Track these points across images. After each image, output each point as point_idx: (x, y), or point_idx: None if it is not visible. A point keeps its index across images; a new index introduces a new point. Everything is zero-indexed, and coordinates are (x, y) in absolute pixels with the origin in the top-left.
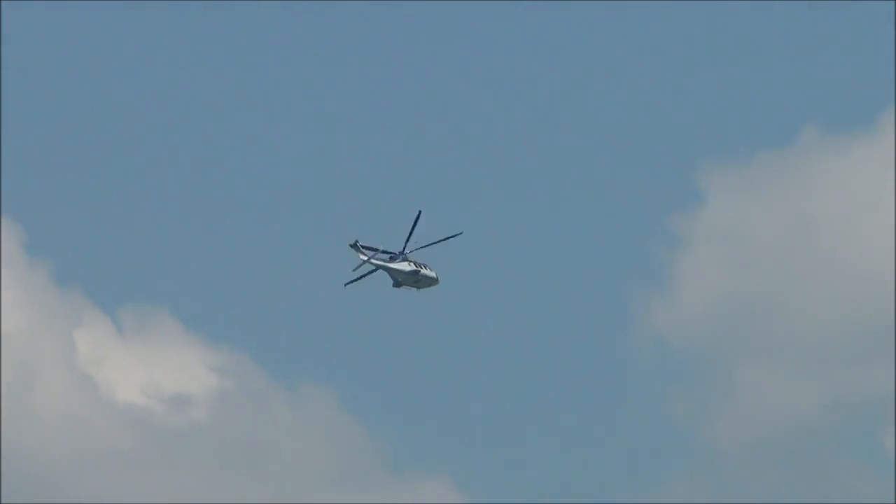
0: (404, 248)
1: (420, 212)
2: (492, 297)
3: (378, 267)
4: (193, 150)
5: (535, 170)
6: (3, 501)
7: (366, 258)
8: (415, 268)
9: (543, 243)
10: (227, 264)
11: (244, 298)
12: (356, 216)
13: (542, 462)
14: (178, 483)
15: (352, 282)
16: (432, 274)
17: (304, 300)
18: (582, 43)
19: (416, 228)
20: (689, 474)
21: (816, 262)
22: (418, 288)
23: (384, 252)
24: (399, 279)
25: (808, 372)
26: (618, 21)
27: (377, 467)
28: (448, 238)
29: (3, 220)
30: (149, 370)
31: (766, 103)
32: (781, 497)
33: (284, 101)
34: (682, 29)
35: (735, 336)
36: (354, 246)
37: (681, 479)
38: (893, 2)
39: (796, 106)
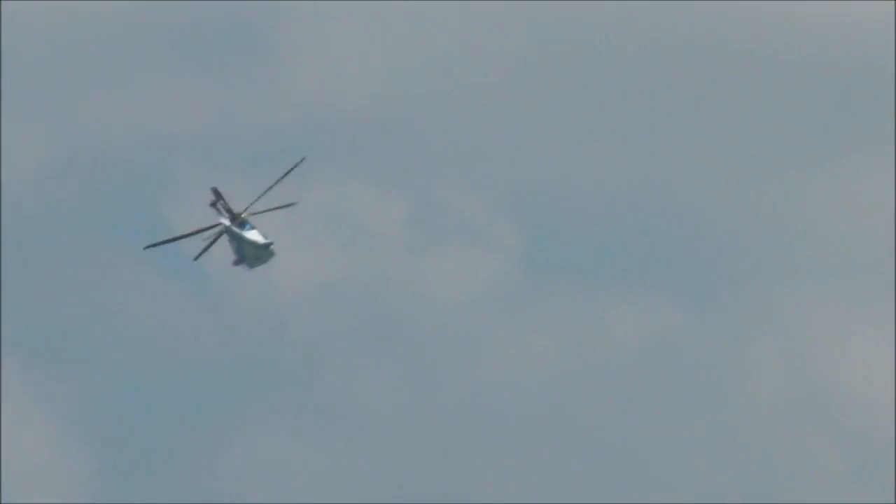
0: (247, 208)
1: (303, 158)
2: None
3: (230, 236)
4: None
5: None
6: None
7: (227, 223)
8: (267, 241)
9: None
10: None
11: None
12: None
13: None
14: None
15: (201, 254)
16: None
17: None
18: None
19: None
20: None
21: None
22: (251, 268)
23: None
24: (246, 253)
25: None
26: None
27: None
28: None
29: None
30: None
31: None
32: None
33: None
34: None
35: None
36: (215, 201)
37: None
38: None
39: None
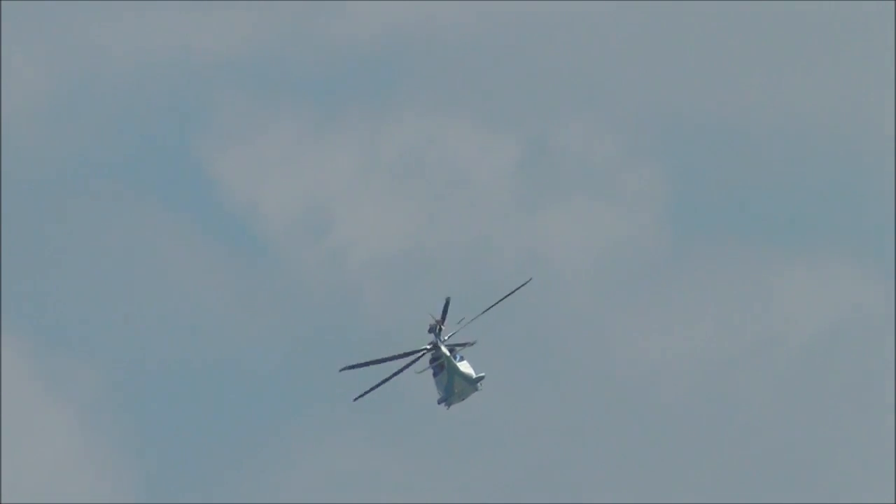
0: (439, 337)
1: (448, 299)
2: None
3: (445, 366)
4: None
5: None
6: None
7: (447, 352)
8: (479, 375)
9: None
10: None
11: None
12: None
13: None
14: None
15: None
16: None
17: None
18: None
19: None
20: None
21: None
22: (450, 405)
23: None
24: (455, 388)
25: None
26: None
27: None
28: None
29: None
30: None
31: None
32: None
33: None
34: None
35: None
36: (436, 325)
37: None
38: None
39: None
